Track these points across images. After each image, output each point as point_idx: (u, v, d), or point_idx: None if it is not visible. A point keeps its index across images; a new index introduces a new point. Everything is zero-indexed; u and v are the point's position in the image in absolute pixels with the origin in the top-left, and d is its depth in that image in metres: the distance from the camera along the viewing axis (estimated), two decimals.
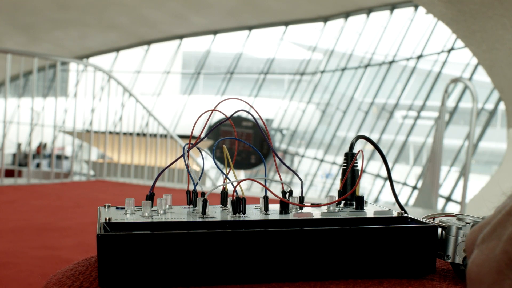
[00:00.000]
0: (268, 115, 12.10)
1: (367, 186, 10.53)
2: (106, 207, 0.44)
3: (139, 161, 6.36)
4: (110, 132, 5.53)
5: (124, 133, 5.56)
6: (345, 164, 0.44)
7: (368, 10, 10.32)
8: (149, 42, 13.41)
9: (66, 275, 0.41)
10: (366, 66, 10.67)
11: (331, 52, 11.52)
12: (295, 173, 0.49)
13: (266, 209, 0.44)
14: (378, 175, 9.74)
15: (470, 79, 8.15)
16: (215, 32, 12.51)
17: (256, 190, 6.42)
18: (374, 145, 0.45)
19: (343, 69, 11.08)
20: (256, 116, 0.47)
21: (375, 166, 9.71)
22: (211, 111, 0.50)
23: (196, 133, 0.48)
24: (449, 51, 9.13)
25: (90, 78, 5.31)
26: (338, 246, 0.39)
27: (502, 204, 0.27)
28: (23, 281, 1.69)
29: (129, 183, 4.83)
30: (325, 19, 11.00)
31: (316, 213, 0.43)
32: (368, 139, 0.46)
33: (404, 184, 9.59)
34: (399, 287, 0.39)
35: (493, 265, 0.25)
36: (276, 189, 0.44)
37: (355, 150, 0.46)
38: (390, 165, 0.42)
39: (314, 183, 11.45)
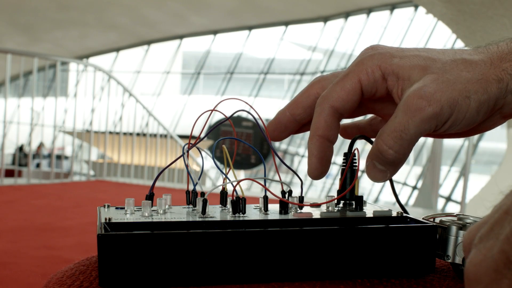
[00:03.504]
0: (268, 115, 12.10)
1: (367, 186, 10.53)
2: (106, 207, 0.44)
3: (139, 161, 6.37)
4: (110, 132, 5.53)
5: (124, 133, 5.56)
6: (344, 164, 0.44)
7: (368, 10, 10.32)
8: (149, 42, 13.41)
9: (66, 275, 0.41)
10: None
11: (331, 52, 11.52)
12: (295, 172, 0.50)
13: (266, 209, 0.44)
14: None
15: None
16: (215, 32, 12.51)
17: (256, 190, 6.42)
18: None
19: (343, 69, 11.07)
20: (256, 116, 0.47)
21: None
22: (211, 111, 0.50)
23: (196, 133, 0.48)
24: None
25: (90, 78, 5.32)
26: (338, 246, 0.39)
27: (499, 203, 0.27)
28: (23, 281, 1.69)
29: (129, 183, 4.83)
30: (325, 19, 11.00)
31: (316, 213, 0.43)
32: (367, 139, 0.46)
33: (404, 184, 9.59)
34: (399, 287, 0.39)
35: (491, 265, 0.25)
36: (276, 189, 0.44)
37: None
38: None
39: (314, 183, 11.45)
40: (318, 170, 0.42)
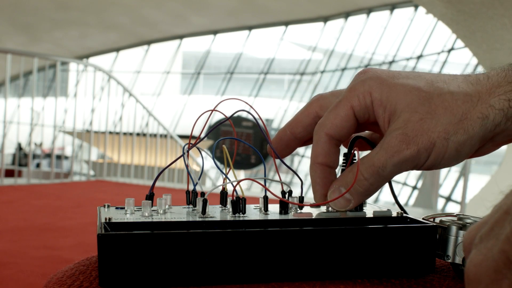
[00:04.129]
0: (268, 115, 12.10)
1: None
2: (106, 207, 0.44)
3: (139, 161, 6.36)
4: (110, 132, 5.53)
5: (124, 133, 5.56)
6: (344, 164, 0.44)
7: (368, 10, 10.32)
8: (149, 42, 13.41)
9: (66, 275, 0.41)
10: (366, 66, 10.66)
11: (331, 52, 11.52)
12: (295, 172, 0.50)
13: (266, 209, 0.44)
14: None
15: None
16: (215, 32, 12.51)
17: (256, 190, 6.42)
18: (372, 145, 0.45)
19: (343, 69, 11.08)
20: (256, 116, 0.47)
21: None
22: (211, 111, 0.50)
23: (196, 133, 0.48)
24: (449, 51, 9.14)
25: (90, 78, 5.32)
26: (337, 246, 0.39)
27: (499, 203, 0.27)
28: (23, 281, 1.69)
29: (129, 183, 4.83)
30: (325, 19, 11.00)
31: (316, 213, 0.43)
32: (366, 140, 0.46)
33: (404, 184, 9.59)
34: (399, 287, 0.39)
35: (491, 265, 0.25)
36: (276, 189, 0.44)
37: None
38: None
39: None
40: (325, 195, 0.43)
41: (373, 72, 0.42)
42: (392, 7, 9.98)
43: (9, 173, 5.49)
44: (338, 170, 0.42)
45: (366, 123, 0.43)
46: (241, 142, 0.48)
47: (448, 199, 8.59)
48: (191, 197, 0.45)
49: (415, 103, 0.39)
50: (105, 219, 0.38)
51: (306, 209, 0.44)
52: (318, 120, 0.46)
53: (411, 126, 0.39)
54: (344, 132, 0.42)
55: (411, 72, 0.42)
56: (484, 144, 0.41)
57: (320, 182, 0.42)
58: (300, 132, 0.46)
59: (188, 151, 0.44)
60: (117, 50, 13.89)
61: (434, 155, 0.39)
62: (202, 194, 0.43)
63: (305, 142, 0.47)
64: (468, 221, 0.41)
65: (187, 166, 0.44)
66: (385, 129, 0.41)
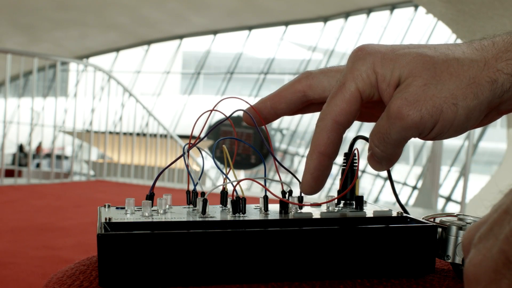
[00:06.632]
0: None
1: (367, 186, 10.53)
2: (106, 207, 0.44)
3: (139, 161, 6.36)
4: (110, 132, 5.53)
5: (124, 133, 5.56)
6: (344, 164, 0.44)
7: (368, 10, 10.32)
8: (149, 42, 13.41)
9: (66, 275, 0.41)
10: None
11: (331, 52, 11.52)
12: (293, 175, 0.50)
13: (266, 209, 0.44)
14: (378, 175, 9.75)
15: None
16: (215, 32, 12.51)
17: (256, 190, 6.42)
18: None
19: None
20: (256, 116, 0.47)
21: None
22: (210, 111, 0.50)
23: (196, 133, 0.48)
24: None
25: (90, 78, 5.31)
26: (338, 246, 0.39)
27: (499, 203, 0.27)
28: (23, 281, 1.69)
29: (129, 183, 4.83)
30: (325, 19, 11.00)
31: (316, 213, 0.43)
32: (367, 139, 0.46)
33: (404, 184, 9.59)
34: (399, 287, 0.39)
35: (490, 265, 0.25)
36: (276, 189, 0.44)
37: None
38: None
39: None
40: (312, 188, 0.41)
41: (371, 48, 0.40)
42: (392, 7, 9.98)
43: (9, 173, 5.49)
44: (337, 170, 0.42)
45: (367, 102, 0.42)
46: (241, 142, 0.48)
47: (448, 199, 8.59)
48: (191, 197, 0.45)
49: (419, 68, 0.38)
50: (105, 219, 0.38)
51: (306, 209, 0.44)
52: (304, 99, 0.45)
53: (413, 91, 0.37)
54: (352, 116, 0.40)
55: (411, 44, 0.41)
56: (488, 113, 0.39)
57: (313, 173, 0.41)
58: (282, 109, 0.44)
59: (188, 151, 0.44)
60: (117, 50, 13.88)
61: (442, 122, 0.37)
62: (202, 194, 0.43)
63: (280, 116, 0.46)
64: (468, 221, 0.41)
65: (187, 166, 0.44)
66: (389, 98, 0.39)
